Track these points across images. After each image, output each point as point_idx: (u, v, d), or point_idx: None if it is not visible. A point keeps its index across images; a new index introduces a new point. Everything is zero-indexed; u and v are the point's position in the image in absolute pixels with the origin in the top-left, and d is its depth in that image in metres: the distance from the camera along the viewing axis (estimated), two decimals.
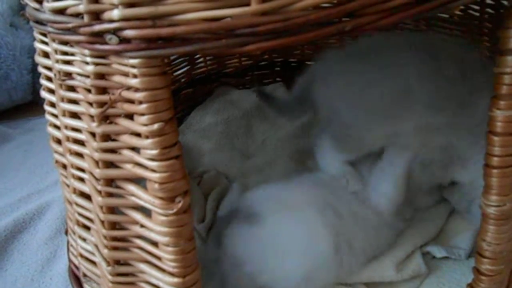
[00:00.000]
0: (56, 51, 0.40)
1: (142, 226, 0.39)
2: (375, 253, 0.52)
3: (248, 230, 0.51)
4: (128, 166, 0.38)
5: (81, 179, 0.43)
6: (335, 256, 0.49)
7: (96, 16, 0.33)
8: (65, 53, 0.39)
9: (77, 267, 0.52)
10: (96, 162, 0.39)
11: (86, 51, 0.35)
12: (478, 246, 0.41)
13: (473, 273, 0.43)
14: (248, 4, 0.29)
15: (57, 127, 0.45)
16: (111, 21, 0.32)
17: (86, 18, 0.33)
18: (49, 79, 0.44)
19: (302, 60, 0.96)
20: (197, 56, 0.91)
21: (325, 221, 0.50)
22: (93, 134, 0.39)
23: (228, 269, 0.49)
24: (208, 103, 0.90)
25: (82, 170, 0.43)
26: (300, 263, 0.48)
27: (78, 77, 0.38)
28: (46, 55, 0.43)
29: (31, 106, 1.19)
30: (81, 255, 0.49)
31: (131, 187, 0.38)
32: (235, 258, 0.50)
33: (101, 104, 0.37)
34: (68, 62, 0.39)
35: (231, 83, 0.96)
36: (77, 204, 0.45)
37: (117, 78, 0.35)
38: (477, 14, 0.67)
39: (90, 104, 0.37)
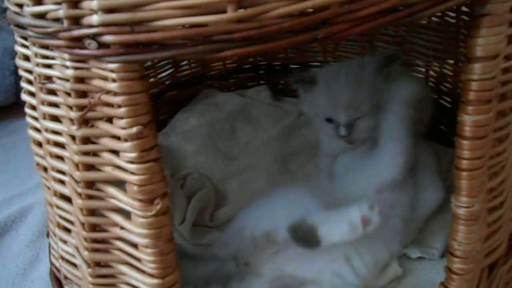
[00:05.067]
0: (36, 55, 0.40)
1: (122, 228, 0.40)
2: None
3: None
4: (108, 169, 0.38)
5: (62, 182, 0.44)
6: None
7: (76, 21, 0.33)
8: (45, 57, 0.39)
9: (58, 270, 0.52)
10: (76, 165, 0.40)
11: (66, 55, 0.36)
12: (449, 246, 0.43)
13: (445, 272, 0.44)
14: (224, 12, 0.30)
15: (37, 130, 0.45)
16: (90, 26, 0.32)
17: (65, 23, 0.33)
18: (29, 82, 0.44)
19: (286, 64, 0.98)
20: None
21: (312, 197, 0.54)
22: (73, 137, 0.39)
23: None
24: (192, 105, 0.91)
25: (62, 172, 0.43)
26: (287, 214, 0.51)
27: (58, 81, 0.38)
28: (26, 58, 0.43)
29: (14, 108, 1.18)
30: (62, 258, 0.49)
31: (111, 190, 0.39)
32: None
33: (80, 108, 0.37)
34: (48, 66, 0.39)
35: (215, 85, 0.96)
36: (57, 207, 0.46)
37: (97, 82, 0.35)
38: (454, 21, 0.69)
39: (70, 107, 0.38)
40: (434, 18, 0.72)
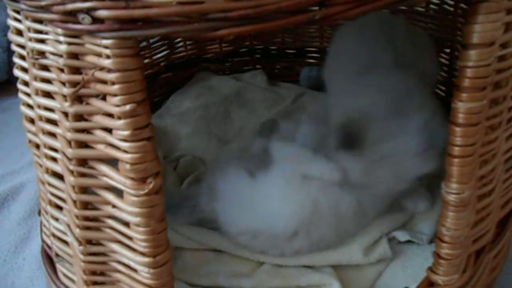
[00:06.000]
0: (29, 29, 0.39)
1: (114, 206, 0.40)
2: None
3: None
4: (101, 147, 0.38)
5: (54, 159, 0.43)
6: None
7: None
8: (39, 32, 0.38)
9: (49, 247, 0.52)
10: (69, 142, 0.39)
11: (59, 30, 0.35)
12: (438, 231, 0.43)
13: (433, 257, 0.45)
14: None
15: (30, 106, 0.45)
16: (84, 0, 0.32)
17: None
18: (22, 57, 0.43)
19: (282, 48, 0.97)
20: (177, 40, 0.91)
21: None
22: (65, 114, 0.39)
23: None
24: (187, 88, 0.91)
25: (54, 150, 0.43)
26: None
27: (51, 56, 0.38)
28: (19, 33, 0.42)
29: (6, 85, 1.17)
30: (54, 235, 0.49)
31: (103, 168, 0.39)
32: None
33: (74, 84, 0.37)
34: (41, 41, 0.38)
35: (211, 68, 0.96)
36: (49, 184, 0.45)
37: (90, 58, 0.35)
38: (451, 9, 0.68)
39: (63, 83, 0.37)
40: (432, 6, 0.72)
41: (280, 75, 0.98)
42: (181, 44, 0.92)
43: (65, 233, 0.46)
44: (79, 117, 0.38)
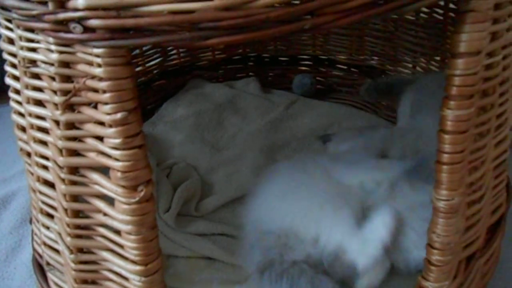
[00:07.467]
0: (20, 38, 0.39)
1: (105, 214, 0.40)
2: None
3: None
4: (92, 155, 0.38)
5: (45, 167, 0.43)
6: None
7: (61, 4, 0.33)
8: (30, 40, 0.38)
9: (41, 256, 0.52)
10: (60, 150, 0.39)
11: (51, 39, 0.35)
12: (429, 238, 0.44)
13: (423, 263, 0.45)
14: None
15: (21, 114, 0.44)
16: (76, 9, 0.32)
17: (50, 6, 0.33)
18: (14, 65, 0.43)
19: (275, 56, 0.98)
20: (170, 48, 0.91)
21: None
22: (57, 122, 0.39)
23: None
24: (180, 95, 0.91)
25: (46, 158, 0.43)
26: None
27: (43, 65, 0.38)
28: (11, 41, 0.42)
29: None
30: (45, 244, 0.49)
31: (95, 176, 0.39)
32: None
33: (65, 92, 0.37)
34: (32, 49, 0.38)
35: (204, 76, 0.96)
36: (40, 192, 0.45)
37: (82, 67, 0.35)
38: (441, 18, 0.69)
39: (54, 92, 0.38)
40: (422, 15, 0.73)
41: (273, 83, 0.99)
42: (174, 51, 0.92)
43: (56, 242, 0.46)
44: (71, 125, 0.38)
